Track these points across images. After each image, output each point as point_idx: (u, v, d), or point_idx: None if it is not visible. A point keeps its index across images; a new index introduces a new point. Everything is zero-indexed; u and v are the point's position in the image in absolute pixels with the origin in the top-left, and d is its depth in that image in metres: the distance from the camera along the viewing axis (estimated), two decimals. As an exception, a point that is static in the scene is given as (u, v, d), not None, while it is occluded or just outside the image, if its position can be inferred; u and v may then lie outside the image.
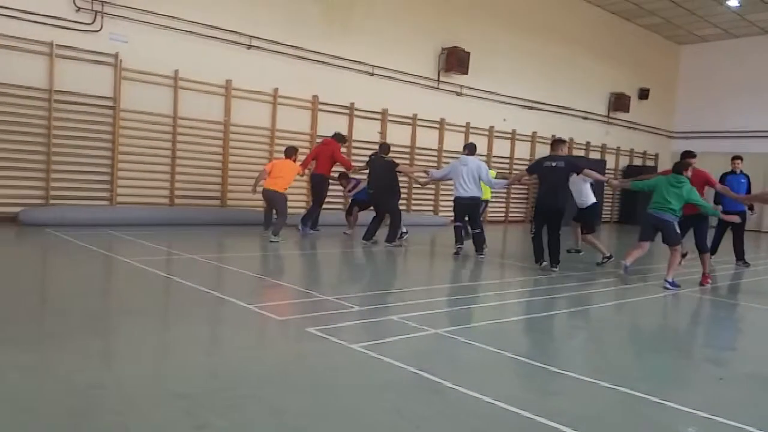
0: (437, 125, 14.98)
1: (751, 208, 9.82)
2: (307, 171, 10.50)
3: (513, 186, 16.63)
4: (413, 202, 14.69)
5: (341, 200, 12.53)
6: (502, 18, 15.92)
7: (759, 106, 19.86)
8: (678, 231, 7.13)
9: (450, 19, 14.77)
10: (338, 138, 10.47)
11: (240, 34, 11.33)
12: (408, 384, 3.31)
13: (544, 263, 7.93)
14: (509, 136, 16.73)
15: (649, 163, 21.25)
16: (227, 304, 5.08)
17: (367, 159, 10.26)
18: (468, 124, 15.54)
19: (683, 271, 7.98)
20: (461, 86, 15.21)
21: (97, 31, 9.80)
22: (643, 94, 20.60)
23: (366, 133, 13.43)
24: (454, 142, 14.67)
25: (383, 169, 9.64)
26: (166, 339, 4.14)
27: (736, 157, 10.12)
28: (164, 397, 2.94)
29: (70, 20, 9.54)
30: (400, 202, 14.28)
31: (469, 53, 14.73)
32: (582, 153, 18.70)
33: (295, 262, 8.30)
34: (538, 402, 3.18)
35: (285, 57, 12.01)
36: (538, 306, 5.99)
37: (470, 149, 9.13)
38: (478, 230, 8.95)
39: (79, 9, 9.60)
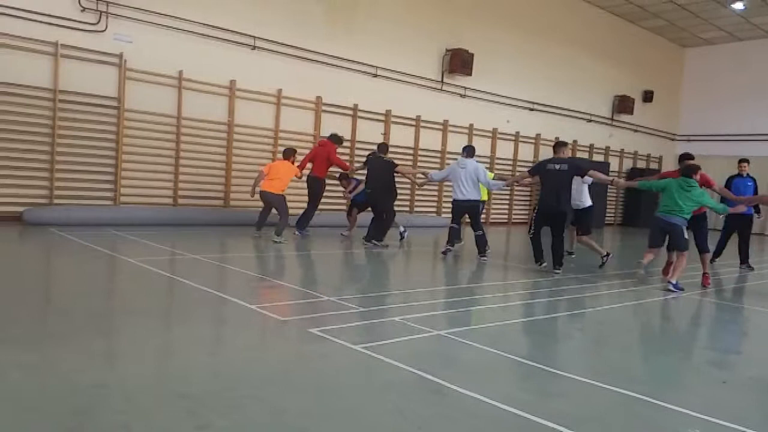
0: (440, 127, 14.98)
1: (757, 210, 9.79)
2: (304, 172, 10.42)
3: (516, 188, 16.72)
4: (416, 203, 14.69)
5: (338, 201, 12.49)
6: (506, 20, 15.91)
7: (763, 110, 19.82)
8: (686, 236, 7.09)
9: (454, 20, 14.78)
10: (334, 139, 10.40)
11: (244, 34, 11.35)
12: (409, 385, 3.31)
13: (544, 264, 7.93)
14: (513, 138, 16.72)
15: (653, 165, 21.21)
16: (230, 304, 5.09)
17: (365, 159, 10.27)
18: (471, 125, 15.54)
19: (684, 274, 7.95)
20: (465, 88, 15.21)
21: (102, 31, 9.83)
22: (647, 96, 20.57)
23: (369, 134, 13.44)
24: (458, 143, 14.59)
25: (382, 169, 9.65)
26: (168, 339, 4.15)
27: (743, 160, 10.09)
28: (167, 397, 2.95)
29: (74, 20, 9.58)
30: (402, 202, 14.41)
31: (472, 55, 14.73)
32: (586, 155, 18.68)
33: (297, 262, 8.30)
34: (539, 403, 3.18)
35: (288, 58, 12.04)
36: (540, 308, 5.99)
37: (468, 152, 9.15)
38: (480, 232, 8.95)
39: (83, 9, 9.64)
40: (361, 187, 10.27)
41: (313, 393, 3.11)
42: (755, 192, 9.89)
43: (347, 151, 12.95)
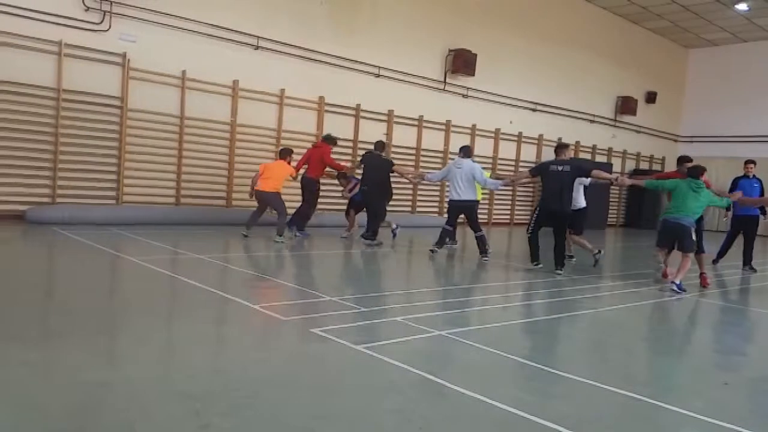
0: (443, 127, 14.98)
1: (764, 212, 9.77)
2: (300, 172, 10.36)
3: (518, 188, 16.72)
4: (417, 203, 14.70)
5: (339, 201, 12.47)
6: (509, 20, 15.91)
7: (767, 111, 19.77)
8: (694, 238, 7.13)
9: (457, 20, 14.77)
10: (329, 140, 10.35)
11: (247, 34, 11.37)
12: (411, 385, 3.32)
13: (539, 265, 7.94)
14: (515, 138, 16.71)
15: (656, 166, 21.17)
16: (232, 303, 5.10)
17: (360, 157, 10.26)
18: (474, 126, 15.53)
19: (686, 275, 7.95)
20: (467, 88, 15.20)
21: (106, 30, 9.85)
22: (651, 97, 20.55)
23: (372, 134, 13.43)
24: (460, 144, 14.56)
25: (378, 167, 9.65)
26: (171, 338, 4.16)
27: (750, 161, 10.06)
28: (169, 396, 2.95)
29: (79, 20, 9.60)
30: (404, 202, 14.42)
31: (476, 55, 14.73)
32: (588, 156, 18.66)
33: (298, 262, 8.31)
34: (541, 405, 3.18)
35: (292, 58, 12.05)
36: (541, 308, 5.99)
37: (465, 152, 9.18)
38: (480, 233, 8.95)
39: (88, 9, 9.66)
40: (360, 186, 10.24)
41: (314, 393, 3.12)
42: (761, 193, 9.86)
43: (349, 151, 12.96)
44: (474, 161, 9.32)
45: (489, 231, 14.74)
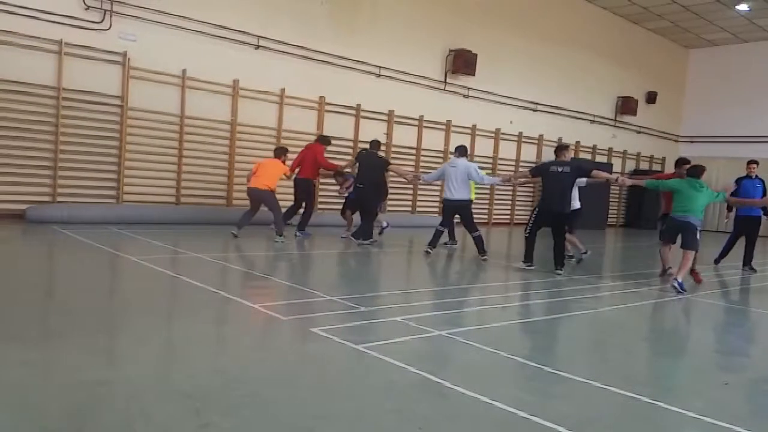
0: (443, 127, 14.98)
1: (766, 212, 9.77)
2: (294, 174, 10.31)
3: (518, 188, 16.71)
4: (418, 203, 14.69)
5: (339, 201, 12.46)
6: (510, 20, 15.90)
7: (767, 112, 19.77)
8: (699, 237, 7.21)
9: (457, 20, 14.77)
10: (322, 140, 10.32)
11: (248, 34, 11.37)
12: (411, 385, 3.31)
13: (531, 266, 7.94)
14: (516, 138, 16.71)
15: (656, 167, 21.17)
16: (232, 303, 5.10)
17: (356, 154, 10.24)
18: (474, 126, 15.53)
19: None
20: (468, 88, 15.20)
21: (106, 29, 9.85)
22: (651, 97, 20.55)
23: (372, 134, 13.41)
24: (461, 144, 14.63)
25: (373, 165, 9.64)
26: (171, 337, 4.16)
27: (752, 162, 10.06)
28: (169, 396, 2.95)
29: (79, 19, 9.60)
30: (404, 203, 14.42)
31: (476, 55, 14.72)
32: (588, 156, 18.66)
33: (298, 262, 8.31)
34: (541, 405, 3.18)
35: (292, 57, 12.05)
36: (541, 308, 5.99)
37: (460, 151, 9.19)
38: (476, 233, 8.95)
39: (88, 8, 9.66)
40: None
41: (314, 392, 3.12)
42: (764, 193, 9.84)
43: (350, 150, 12.95)
44: (469, 160, 9.31)
45: (489, 231, 14.75)
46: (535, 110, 17.03)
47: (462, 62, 14.54)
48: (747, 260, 9.69)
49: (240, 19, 11.23)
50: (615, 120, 19.65)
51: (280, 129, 12.02)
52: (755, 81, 19.99)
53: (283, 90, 11.96)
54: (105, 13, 9.82)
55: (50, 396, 2.82)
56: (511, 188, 16.61)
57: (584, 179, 8.48)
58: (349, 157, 12.69)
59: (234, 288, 5.98)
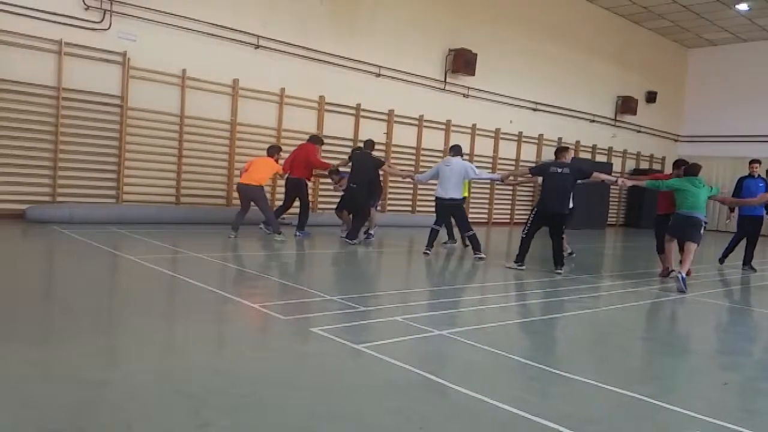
0: (443, 127, 14.98)
1: None
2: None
3: (518, 187, 16.71)
4: (418, 203, 14.69)
5: (333, 200, 12.44)
6: (510, 20, 15.90)
7: (767, 111, 19.77)
8: (702, 232, 7.44)
9: (457, 20, 14.77)
10: (315, 140, 10.26)
11: (248, 33, 11.36)
12: (411, 385, 3.31)
13: (522, 267, 7.94)
14: (516, 138, 16.71)
15: (656, 166, 21.17)
16: (232, 302, 5.10)
17: (349, 153, 10.22)
18: (474, 125, 15.53)
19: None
20: (468, 88, 15.20)
21: (106, 29, 9.85)
22: (651, 97, 20.54)
23: (372, 133, 13.41)
24: (461, 143, 14.57)
25: (366, 165, 9.62)
26: (171, 337, 4.16)
27: (755, 161, 10.06)
28: (169, 395, 2.95)
29: (79, 18, 9.60)
30: (405, 203, 14.41)
31: (476, 55, 14.72)
32: (588, 156, 18.66)
33: (299, 262, 8.31)
34: (543, 405, 3.17)
35: (292, 57, 12.04)
36: (541, 308, 5.98)
37: (455, 150, 9.20)
38: (471, 233, 8.94)
39: (88, 7, 9.65)
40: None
41: (314, 392, 3.11)
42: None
43: (349, 150, 12.91)
44: (464, 159, 9.31)
45: (489, 231, 14.76)
46: (535, 110, 17.03)
47: (462, 62, 14.53)
48: (747, 260, 9.69)
49: (239, 18, 11.23)
50: (615, 119, 19.65)
51: (280, 129, 12.02)
52: (755, 80, 19.98)
53: (282, 90, 11.96)
54: (105, 13, 9.82)
55: (50, 395, 2.82)
56: (511, 188, 16.61)
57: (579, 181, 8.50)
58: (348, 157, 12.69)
59: (233, 288, 5.98)
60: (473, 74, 14.82)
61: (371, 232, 10.13)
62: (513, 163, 16.72)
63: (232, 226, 9.25)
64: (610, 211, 19.53)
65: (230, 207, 11.40)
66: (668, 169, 20.04)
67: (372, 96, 13.35)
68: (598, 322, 5.54)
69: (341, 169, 10.30)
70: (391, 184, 14.07)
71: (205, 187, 11.26)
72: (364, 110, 13.33)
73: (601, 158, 19.06)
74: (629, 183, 8.83)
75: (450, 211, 9.10)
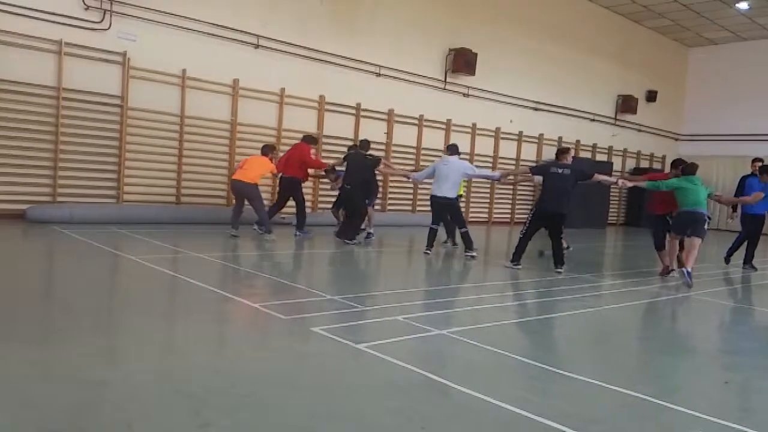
0: (443, 126, 14.97)
1: None
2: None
3: (519, 186, 16.69)
4: (418, 202, 14.68)
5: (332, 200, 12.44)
6: (510, 19, 15.88)
7: (767, 110, 19.76)
8: (706, 226, 7.58)
9: (457, 20, 14.75)
10: (308, 140, 10.20)
11: (248, 33, 11.36)
12: (412, 385, 3.30)
13: (519, 266, 7.94)
14: (516, 137, 16.69)
15: (656, 165, 21.15)
16: (233, 302, 5.10)
17: (344, 155, 10.21)
18: (474, 125, 15.52)
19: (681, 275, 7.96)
20: (468, 87, 15.18)
21: (106, 29, 9.84)
22: (651, 96, 20.52)
23: (372, 133, 13.41)
24: (461, 143, 14.54)
25: (360, 166, 9.59)
26: (171, 337, 4.15)
27: (757, 160, 10.06)
28: (169, 395, 2.94)
29: (79, 18, 9.59)
30: (405, 202, 14.40)
31: (476, 54, 14.71)
32: (589, 155, 18.64)
33: (299, 261, 8.31)
34: (544, 404, 3.17)
35: (292, 57, 12.03)
36: (543, 307, 5.98)
37: (452, 149, 9.20)
38: (464, 230, 8.94)
39: (88, 7, 9.64)
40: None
41: (315, 392, 3.11)
42: None
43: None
44: (461, 158, 9.31)
45: (489, 230, 14.76)
46: (535, 109, 17.01)
47: (462, 61, 14.52)
48: (748, 258, 9.69)
49: (239, 18, 11.22)
50: (615, 118, 19.63)
51: (280, 128, 12.01)
52: (756, 79, 19.95)
53: (283, 89, 11.95)
54: (105, 13, 9.81)
55: (51, 395, 2.81)
56: (511, 187, 16.61)
57: None
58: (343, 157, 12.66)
59: (234, 287, 5.97)
60: (473, 74, 14.81)
61: (371, 231, 10.11)
62: (513, 162, 16.70)
63: (231, 224, 9.28)
64: (610, 210, 19.52)
65: (231, 207, 11.38)
66: (667, 168, 20.15)
67: (372, 96, 13.34)
68: (599, 321, 5.54)
69: (337, 168, 10.28)
70: (391, 184, 14.07)
71: (206, 187, 11.25)
72: (364, 110, 13.32)
73: (601, 157, 19.04)
74: (629, 184, 8.85)
75: (445, 210, 9.10)
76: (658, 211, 8.23)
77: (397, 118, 13.94)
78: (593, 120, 18.79)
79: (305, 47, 12.14)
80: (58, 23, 9.38)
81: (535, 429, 2.82)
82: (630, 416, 3.12)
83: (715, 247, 10.69)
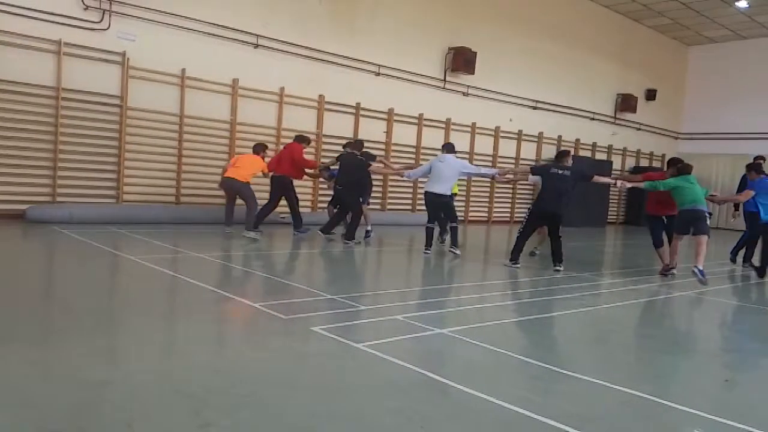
0: (443, 125, 14.96)
1: None
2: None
3: (518, 185, 16.69)
4: (418, 202, 14.67)
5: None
6: (509, 18, 15.88)
7: (767, 108, 19.75)
8: (708, 222, 7.64)
9: (457, 19, 14.75)
10: (300, 140, 10.16)
11: (247, 33, 11.35)
12: (412, 384, 3.30)
13: (517, 265, 7.94)
14: (515, 136, 16.69)
15: (656, 163, 21.14)
16: (233, 302, 5.10)
17: (337, 156, 10.21)
18: (474, 124, 15.51)
19: (678, 272, 7.95)
20: (467, 86, 15.18)
21: (105, 29, 9.83)
22: (651, 95, 20.51)
23: (372, 132, 13.43)
24: (461, 142, 14.62)
25: (352, 166, 9.58)
26: (171, 337, 4.15)
27: (759, 158, 10.04)
28: (169, 395, 2.94)
29: (78, 18, 9.58)
30: (405, 202, 14.39)
31: (475, 53, 14.70)
32: (588, 154, 18.64)
33: (299, 261, 8.30)
34: (544, 403, 3.17)
35: (292, 56, 12.03)
36: (543, 306, 5.97)
37: (448, 148, 9.21)
38: (454, 224, 8.98)
39: (87, 7, 9.64)
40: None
41: (316, 392, 3.11)
42: None
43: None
44: (457, 157, 9.32)
45: (489, 229, 14.75)
46: (534, 108, 17.01)
47: (461, 60, 14.51)
48: (748, 256, 9.69)
49: (239, 18, 11.21)
50: (615, 117, 19.62)
51: (280, 128, 12.00)
52: (755, 77, 19.95)
53: (282, 89, 11.94)
54: (104, 13, 9.80)
55: (51, 395, 2.81)
56: (510, 186, 16.60)
57: None
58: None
59: (234, 287, 5.97)
60: (473, 73, 14.80)
61: (369, 228, 10.11)
62: (513, 161, 16.70)
63: (225, 222, 9.37)
64: (610, 209, 19.52)
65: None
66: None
67: (372, 95, 13.33)
68: (599, 320, 5.54)
69: (332, 168, 10.29)
70: (391, 183, 14.07)
71: (205, 186, 11.23)
72: (364, 109, 13.31)
73: (601, 156, 19.04)
74: (628, 185, 8.89)
75: (439, 208, 9.10)
76: (653, 212, 8.31)
77: (396, 118, 13.94)
78: (593, 119, 18.78)
79: (305, 47, 12.13)
80: (58, 23, 9.37)
81: (536, 428, 2.82)
82: (631, 415, 3.12)
83: (715, 245, 10.68)
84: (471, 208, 15.87)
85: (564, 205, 7.96)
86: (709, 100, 21.18)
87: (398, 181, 13.79)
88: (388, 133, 13.83)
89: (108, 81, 9.93)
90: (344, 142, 12.55)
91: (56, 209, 9.31)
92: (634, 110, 19.66)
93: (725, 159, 20.17)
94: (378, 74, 13.43)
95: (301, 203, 10.36)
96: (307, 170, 10.19)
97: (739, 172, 10.29)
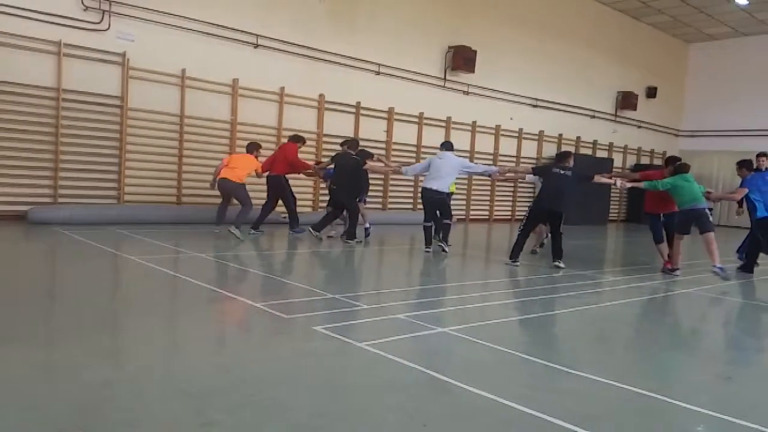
0: (444, 124, 14.96)
1: None
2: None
3: (519, 184, 16.68)
4: (418, 201, 14.65)
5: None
6: (509, 16, 15.87)
7: (767, 105, 19.74)
8: (710, 218, 7.73)
9: (456, 17, 14.74)
10: (296, 139, 10.12)
11: (247, 33, 11.35)
12: (415, 383, 3.30)
13: (517, 263, 7.95)
14: (516, 134, 16.69)
15: (657, 161, 21.11)
16: (235, 302, 5.10)
17: (332, 156, 10.20)
18: (474, 122, 15.51)
19: (680, 269, 7.95)
20: (468, 85, 15.17)
21: (105, 30, 9.83)
22: (651, 92, 20.50)
23: (372, 132, 13.43)
24: (461, 141, 14.64)
25: (347, 166, 9.56)
26: (174, 337, 4.15)
27: (762, 154, 9.99)
28: (172, 395, 2.95)
29: (78, 19, 9.59)
30: (405, 201, 14.39)
31: (475, 52, 14.69)
32: (589, 152, 18.63)
33: (300, 260, 8.30)
34: (547, 401, 3.16)
35: (292, 56, 12.03)
36: (545, 304, 5.97)
37: (447, 146, 9.22)
38: (448, 222, 9.01)
39: (87, 8, 9.64)
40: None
41: (318, 391, 3.11)
42: None
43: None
44: (456, 155, 9.33)
45: (490, 227, 14.75)
46: (535, 106, 17.00)
47: (462, 59, 14.51)
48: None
49: (239, 18, 11.21)
50: (615, 115, 19.62)
51: (280, 128, 12.00)
52: (756, 74, 19.93)
53: (282, 89, 11.94)
54: (103, 14, 9.80)
55: (55, 396, 2.81)
56: (511, 185, 16.60)
57: None
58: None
59: (235, 287, 5.98)
60: (473, 71, 14.80)
61: (367, 226, 10.11)
62: (514, 159, 16.70)
63: (216, 221, 9.39)
64: (611, 207, 19.51)
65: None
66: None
67: (372, 94, 13.33)
68: (601, 318, 5.53)
69: (329, 167, 10.28)
70: (391, 183, 14.07)
71: (206, 186, 11.19)
72: (364, 108, 13.31)
73: (601, 154, 19.03)
74: (628, 185, 8.92)
75: (435, 205, 9.09)
76: (651, 210, 8.36)
77: (396, 117, 13.94)
78: (593, 117, 18.77)
79: (305, 46, 12.13)
80: (57, 24, 9.38)
81: (538, 426, 2.82)
82: (633, 412, 3.12)
83: (723, 245, 10.65)
84: (472, 207, 15.87)
85: (564, 204, 7.97)
86: (709, 98, 21.16)
87: (399, 180, 13.79)
88: (389, 132, 13.83)
89: (108, 81, 9.93)
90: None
91: (57, 210, 9.32)
92: (634, 108, 19.65)
93: (726, 156, 20.11)
94: (378, 73, 13.42)
95: (301, 203, 10.36)
96: (302, 171, 10.20)
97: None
